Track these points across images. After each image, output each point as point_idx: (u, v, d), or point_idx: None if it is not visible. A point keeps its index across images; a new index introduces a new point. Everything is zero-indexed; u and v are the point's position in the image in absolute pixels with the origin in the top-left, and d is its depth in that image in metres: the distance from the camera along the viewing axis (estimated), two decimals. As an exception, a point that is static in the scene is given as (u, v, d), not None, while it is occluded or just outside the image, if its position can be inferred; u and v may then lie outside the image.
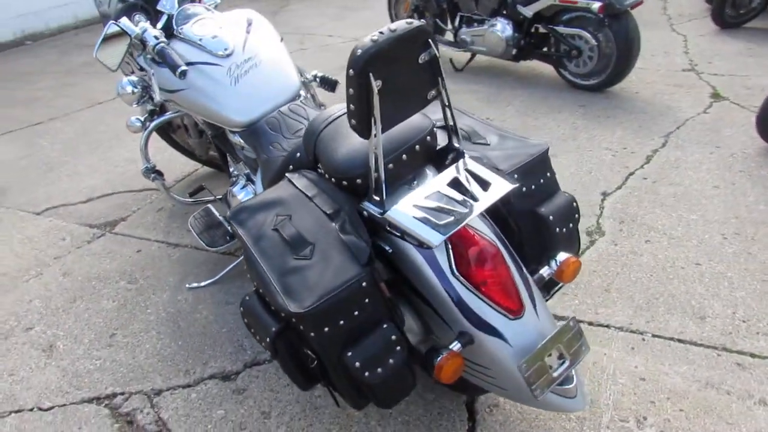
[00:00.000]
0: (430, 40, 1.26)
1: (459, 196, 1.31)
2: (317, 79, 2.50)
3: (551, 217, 1.48)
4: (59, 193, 3.13)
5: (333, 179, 1.46)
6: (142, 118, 2.36)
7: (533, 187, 1.49)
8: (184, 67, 1.83)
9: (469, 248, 1.33)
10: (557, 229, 1.48)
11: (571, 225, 1.51)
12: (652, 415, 1.70)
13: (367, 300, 1.29)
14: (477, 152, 1.53)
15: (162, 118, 2.33)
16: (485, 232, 1.37)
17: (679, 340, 1.96)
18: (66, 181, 3.26)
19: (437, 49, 1.27)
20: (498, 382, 1.39)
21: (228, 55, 2.01)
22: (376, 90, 1.19)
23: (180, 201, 2.46)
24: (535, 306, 1.36)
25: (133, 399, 1.86)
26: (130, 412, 1.82)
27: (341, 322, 1.27)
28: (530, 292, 1.37)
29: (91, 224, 2.82)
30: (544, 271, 1.46)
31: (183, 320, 2.17)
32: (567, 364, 1.33)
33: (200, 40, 2.03)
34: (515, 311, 1.33)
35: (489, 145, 1.57)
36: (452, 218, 1.27)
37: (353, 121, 1.26)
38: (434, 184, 1.35)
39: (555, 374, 1.32)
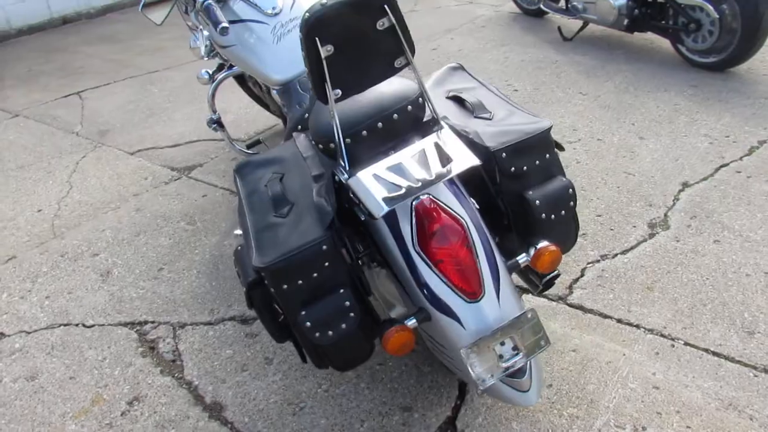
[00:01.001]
0: (387, 7, 1.21)
1: (418, 169, 1.27)
2: None
3: (537, 202, 1.38)
4: (152, 136, 3.42)
5: (313, 142, 1.48)
6: (211, 71, 2.50)
7: (525, 168, 1.40)
8: (224, 24, 1.91)
9: (432, 224, 1.29)
10: (543, 215, 1.38)
11: (562, 212, 1.40)
12: (654, 427, 1.56)
13: (326, 263, 1.30)
14: (472, 126, 1.46)
15: (228, 73, 2.46)
16: (456, 209, 1.32)
17: (714, 353, 1.76)
18: (161, 126, 3.55)
19: (396, 17, 1.22)
20: (453, 363, 1.35)
21: (276, 14, 2.07)
22: (323, 54, 1.17)
23: (239, 151, 2.60)
24: (498, 292, 1.29)
25: (160, 328, 2.04)
26: (155, 339, 1.99)
27: (299, 281, 1.30)
28: (496, 277, 1.30)
29: (172, 167, 3.06)
30: (521, 258, 1.37)
31: (222, 264, 2.32)
32: (520, 356, 1.26)
33: None
34: (471, 294, 1.27)
35: (491, 120, 1.49)
36: (403, 191, 1.24)
37: (311, 85, 1.26)
38: (400, 156, 1.32)
39: (504, 364, 1.25)
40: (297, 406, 1.72)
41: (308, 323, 1.29)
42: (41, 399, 1.80)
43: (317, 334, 1.30)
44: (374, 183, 1.27)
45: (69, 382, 1.85)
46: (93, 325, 2.07)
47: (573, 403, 1.64)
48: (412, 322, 1.32)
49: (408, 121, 1.38)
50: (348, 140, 1.34)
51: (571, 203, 1.42)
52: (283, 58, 2.02)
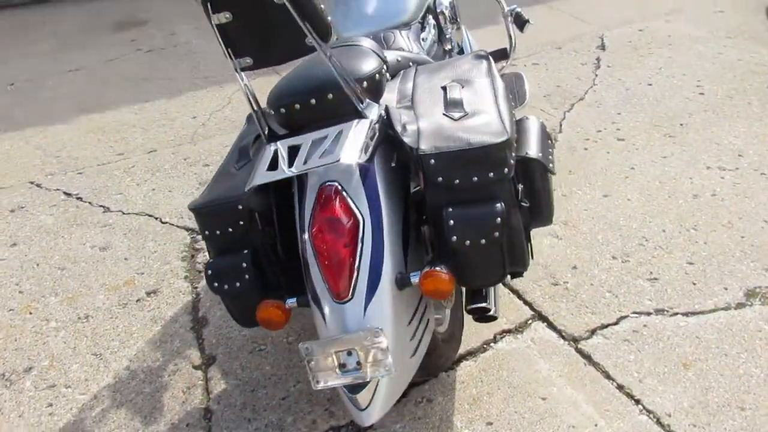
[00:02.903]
0: None
1: (301, 156, 1.21)
2: (512, 14, 2.32)
3: (452, 222, 1.21)
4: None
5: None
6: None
7: (456, 181, 1.23)
8: None
9: (323, 212, 1.23)
10: (455, 237, 1.21)
11: (481, 241, 1.21)
12: None
13: (240, 222, 1.35)
14: (428, 121, 1.31)
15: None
16: (360, 206, 1.23)
17: (706, 468, 1.40)
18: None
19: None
20: None
21: None
22: (215, 21, 1.16)
23: None
24: (368, 301, 1.20)
25: (208, 241, 2.29)
26: (199, 249, 2.26)
27: (217, 231, 1.37)
28: (373, 286, 1.20)
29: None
30: (413, 275, 1.24)
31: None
32: (360, 373, 1.17)
33: None
34: (337, 294, 1.20)
35: (457, 119, 1.32)
36: (273, 174, 1.21)
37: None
38: (306, 137, 1.26)
39: (341, 374, 1.18)
40: (258, 345, 1.83)
41: (210, 271, 1.37)
42: (97, 267, 2.20)
43: (215, 284, 1.36)
44: (269, 157, 1.26)
45: (121, 261, 2.22)
46: (166, 223, 2.41)
47: (496, 451, 1.47)
48: (291, 302, 1.31)
49: (342, 103, 1.30)
50: (283, 110, 1.33)
51: (496, 233, 1.21)
52: (353, 16, 1.99)
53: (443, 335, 1.58)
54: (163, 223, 2.41)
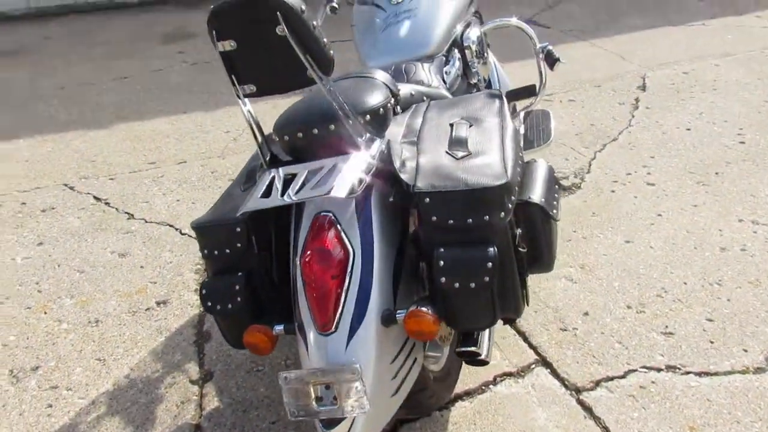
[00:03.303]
0: (280, 15, 1.13)
1: (295, 185, 1.21)
2: (543, 51, 2.31)
3: (442, 263, 1.19)
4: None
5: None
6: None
7: (450, 221, 1.21)
8: (333, 4, 1.97)
9: (315, 242, 1.23)
10: (444, 279, 1.19)
11: (471, 284, 1.18)
12: None
13: (238, 245, 1.36)
14: (430, 159, 1.29)
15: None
16: (352, 238, 1.23)
17: None
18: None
19: (294, 27, 1.14)
20: None
21: (397, 4, 2.05)
22: (220, 48, 1.18)
23: None
24: (352, 336, 1.19)
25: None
26: (214, 263, 2.28)
27: (215, 251, 1.39)
28: (359, 319, 1.19)
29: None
30: (399, 313, 1.22)
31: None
32: (336, 408, 1.15)
33: None
34: (322, 326, 1.19)
35: (459, 158, 1.30)
36: (267, 201, 1.21)
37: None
38: (304, 166, 1.27)
39: (317, 408, 1.16)
40: (256, 366, 1.83)
41: (204, 291, 1.38)
42: (113, 273, 2.25)
43: (208, 303, 1.38)
44: (266, 183, 1.27)
45: (137, 269, 2.26)
46: (185, 234, 2.45)
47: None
48: (279, 329, 1.30)
49: (344, 135, 1.30)
50: (286, 137, 1.34)
51: (486, 278, 1.18)
52: (378, 47, 2.01)
53: (438, 374, 1.55)
54: (182, 234, 2.45)
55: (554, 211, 1.37)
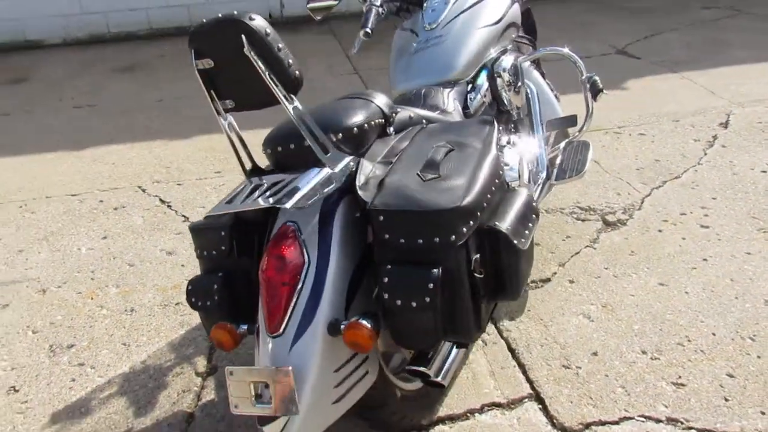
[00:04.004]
0: (245, 38, 1.21)
1: (256, 194, 1.28)
2: (589, 81, 2.28)
3: (386, 280, 1.22)
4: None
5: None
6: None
7: (401, 240, 1.24)
8: (367, 29, 2.05)
9: (273, 248, 1.30)
10: (387, 295, 1.22)
11: (413, 303, 1.20)
12: None
13: (222, 247, 1.47)
14: (396, 179, 1.32)
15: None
16: (309, 248, 1.29)
17: None
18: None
19: (258, 50, 1.22)
20: None
21: (430, 30, 2.10)
22: (198, 66, 1.28)
23: None
24: (296, 340, 1.24)
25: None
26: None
27: (204, 252, 1.51)
28: (305, 326, 1.24)
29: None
30: (343, 323, 1.25)
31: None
32: (270, 407, 1.20)
33: (425, 7, 2.17)
34: (271, 329, 1.26)
35: (426, 180, 1.32)
36: (217, 207, 1.30)
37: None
38: (272, 177, 1.34)
39: (255, 404, 1.22)
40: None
41: (189, 287, 1.50)
42: (157, 268, 2.45)
43: (191, 299, 1.49)
44: (237, 191, 1.36)
45: (178, 267, 2.45)
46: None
47: None
48: (243, 328, 1.38)
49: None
50: (269, 151, 1.44)
51: (427, 298, 1.19)
52: (407, 71, 2.06)
53: (409, 393, 1.56)
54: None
55: (521, 240, 1.35)
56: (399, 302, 1.22)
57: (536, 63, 2.64)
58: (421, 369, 1.36)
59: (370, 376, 1.36)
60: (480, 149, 1.45)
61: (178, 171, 3.28)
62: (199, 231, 1.51)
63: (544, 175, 2.26)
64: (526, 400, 1.75)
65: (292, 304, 1.26)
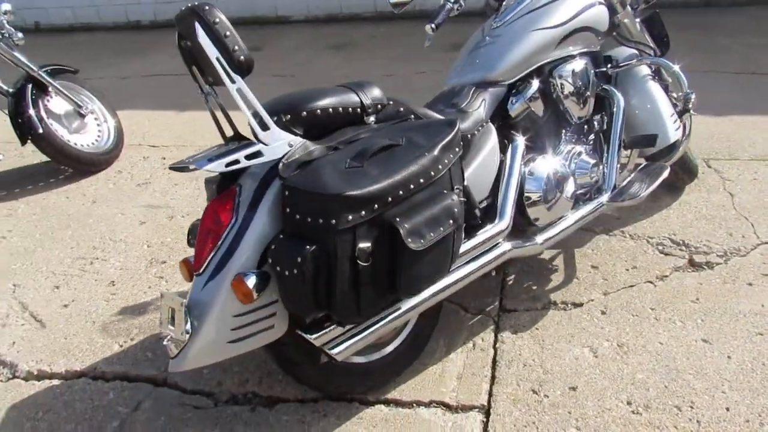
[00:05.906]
0: (197, 25, 1.37)
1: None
2: (685, 98, 2.10)
3: (273, 247, 1.39)
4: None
5: None
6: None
7: (298, 216, 1.36)
8: (432, 24, 2.08)
9: (213, 202, 1.53)
10: (270, 259, 1.39)
11: (286, 273, 1.33)
12: None
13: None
14: (322, 162, 1.44)
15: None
16: (241, 208, 1.48)
17: None
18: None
19: (204, 38, 1.39)
20: None
21: (495, 28, 2.07)
22: (177, 43, 1.50)
23: None
24: (209, 281, 1.45)
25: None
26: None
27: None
28: (218, 270, 1.43)
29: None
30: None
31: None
32: (172, 329, 1.44)
33: (503, 6, 2.13)
34: (195, 266, 1.49)
35: (345, 167, 1.41)
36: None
37: None
38: (225, 147, 1.53)
39: (167, 326, 1.46)
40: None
41: (189, 228, 1.81)
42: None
43: (189, 238, 1.80)
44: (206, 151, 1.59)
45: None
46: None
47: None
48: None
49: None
50: (274, 119, 1.60)
51: (295, 270, 1.31)
52: (459, 67, 2.07)
53: (356, 365, 1.70)
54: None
55: (420, 241, 1.37)
56: (278, 269, 1.37)
57: (657, 75, 2.38)
58: (305, 335, 1.48)
59: (274, 331, 1.52)
60: (424, 148, 1.48)
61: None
62: (205, 183, 1.80)
63: (607, 194, 2.10)
64: (475, 410, 1.72)
65: (213, 252, 1.48)
